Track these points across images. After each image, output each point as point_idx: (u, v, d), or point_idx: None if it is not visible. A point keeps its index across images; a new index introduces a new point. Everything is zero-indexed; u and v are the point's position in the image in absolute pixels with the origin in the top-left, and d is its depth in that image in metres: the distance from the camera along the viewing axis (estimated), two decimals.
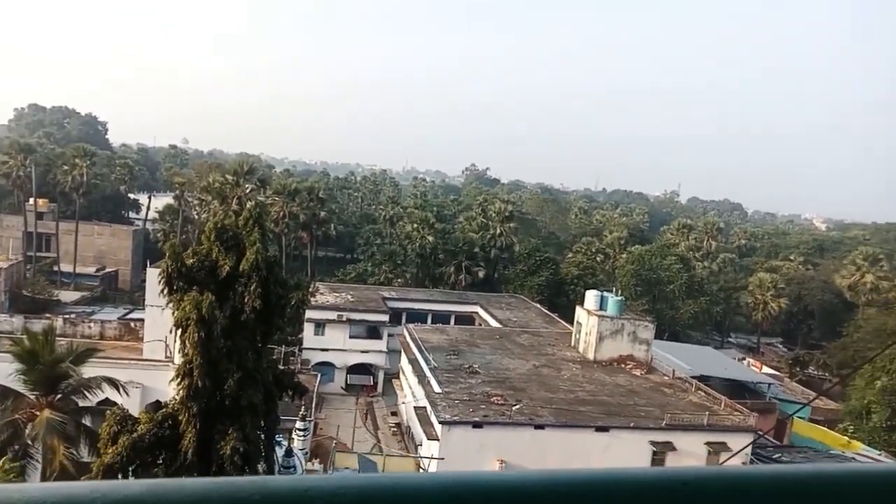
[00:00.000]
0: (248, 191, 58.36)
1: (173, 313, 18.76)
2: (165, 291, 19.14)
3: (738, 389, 41.16)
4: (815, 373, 55.30)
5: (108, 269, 66.92)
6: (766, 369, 50.63)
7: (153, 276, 28.99)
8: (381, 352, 45.96)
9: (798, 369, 55.68)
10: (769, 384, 44.10)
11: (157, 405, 21.38)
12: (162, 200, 78.19)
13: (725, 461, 26.30)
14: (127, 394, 26.10)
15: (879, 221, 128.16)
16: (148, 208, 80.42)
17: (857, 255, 67.42)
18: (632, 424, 29.61)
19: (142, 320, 42.25)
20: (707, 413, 30.91)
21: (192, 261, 19.18)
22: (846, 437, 37.46)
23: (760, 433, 32.05)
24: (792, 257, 79.39)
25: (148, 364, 33.65)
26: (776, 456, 32.60)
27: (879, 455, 33.70)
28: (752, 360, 54.47)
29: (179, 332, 18.44)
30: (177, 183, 69.88)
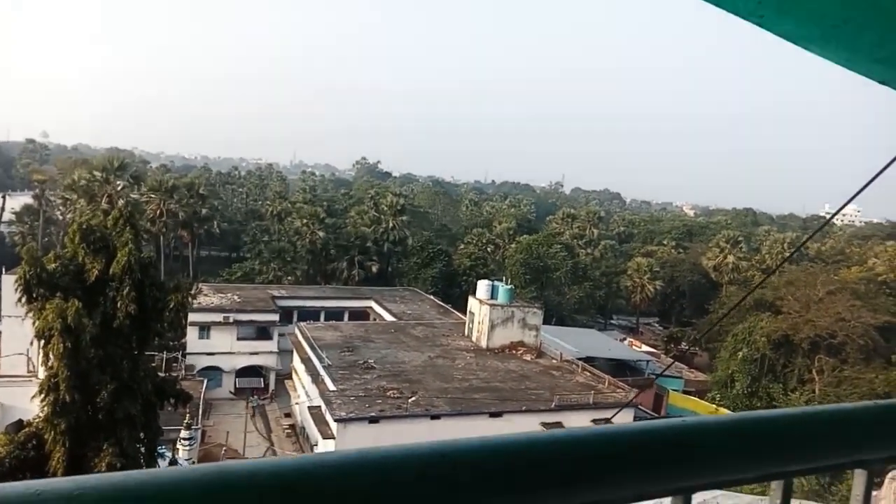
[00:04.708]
0: (119, 188, 54.33)
1: (34, 323, 17.17)
2: (24, 300, 17.48)
3: (620, 368, 43.80)
4: (687, 347, 59.86)
5: None
6: (644, 347, 54.24)
7: (9, 283, 26.35)
8: (271, 353, 44.52)
9: (672, 345, 60.01)
10: (647, 361, 47.29)
11: (20, 425, 19.55)
12: (19, 200, 71.01)
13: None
14: None
15: (739, 207, 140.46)
16: (2, 209, 72.74)
17: (720, 239, 73.58)
18: (524, 408, 30.65)
19: None
20: (592, 392, 32.61)
21: (54, 265, 17.63)
22: (714, 405, 40.87)
23: (638, 405, 34.31)
24: (665, 242, 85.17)
25: (7, 380, 30.53)
26: None
27: None
28: (632, 340, 58.13)
29: (42, 343, 16.89)
30: (36, 181, 63.93)
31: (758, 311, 47.68)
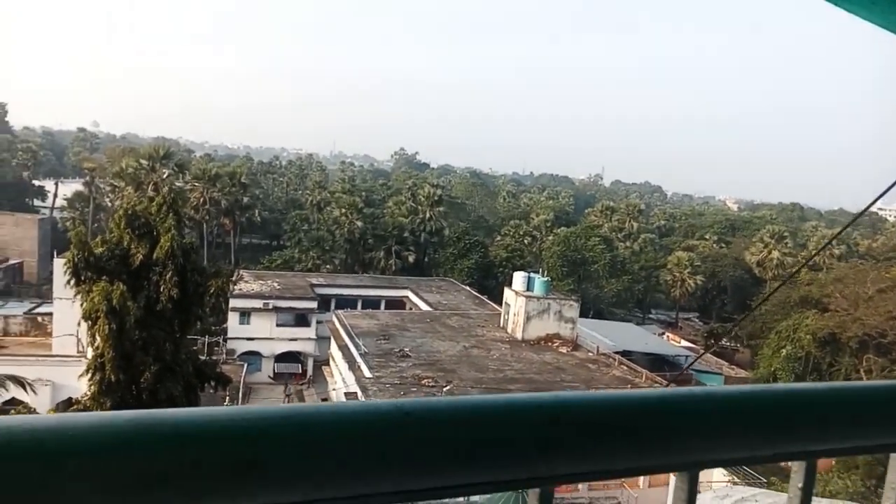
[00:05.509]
0: (164, 176, 55.79)
1: (82, 305, 17.80)
2: (73, 283, 18.13)
3: (658, 363, 43.12)
4: (728, 344, 58.56)
5: (11, 262, 62.53)
6: (683, 342, 53.28)
7: (60, 267, 27.37)
8: (309, 339, 45.26)
9: (712, 341, 58.74)
10: (686, 356, 46.38)
11: (69, 403, 20.34)
12: (71, 187, 73.60)
13: None
14: (35, 392, 24.56)
15: (785, 202, 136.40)
16: (55, 195, 75.64)
17: (765, 234, 71.53)
18: None
19: (50, 314, 39.83)
20: (629, 386, 32.19)
21: (101, 249, 18.23)
22: None
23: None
24: (707, 236, 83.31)
25: (58, 360, 31.79)
26: None
27: None
28: (670, 335, 57.17)
29: (89, 324, 17.51)
30: (87, 168, 66.07)
31: (803, 309, 46.28)
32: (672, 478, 0.93)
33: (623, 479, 27.30)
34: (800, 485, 0.97)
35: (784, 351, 42.07)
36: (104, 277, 17.09)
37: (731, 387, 0.99)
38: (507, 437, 0.75)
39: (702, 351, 51.87)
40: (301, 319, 45.79)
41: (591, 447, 0.80)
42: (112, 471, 0.57)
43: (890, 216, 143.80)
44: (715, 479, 24.56)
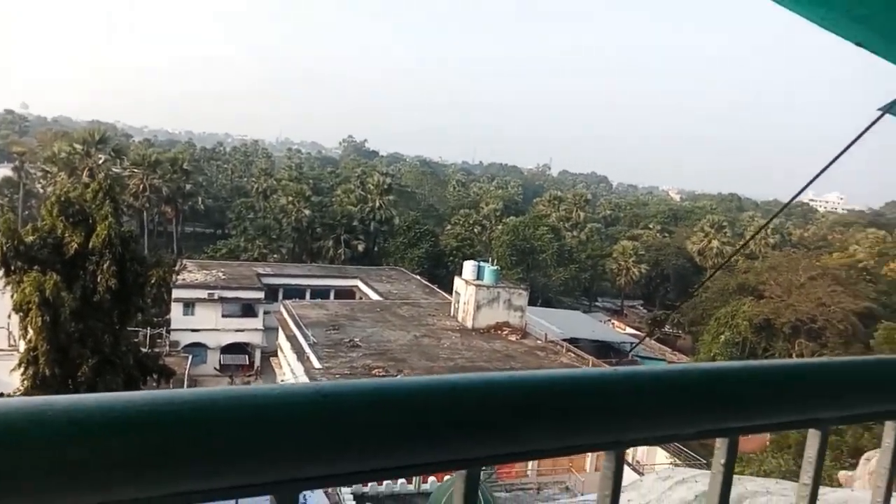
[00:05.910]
0: (100, 162, 53.52)
1: (12, 297, 16.88)
2: (2, 273, 17.17)
3: (604, 349, 44.14)
4: (671, 331, 60.52)
5: None
6: (629, 329, 54.73)
7: None
8: (256, 330, 44.35)
9: (656, 328, 60.56)
10: (631, 343, 47.65)
11: None
12: None
13: None
14: None
15: (724, 192, 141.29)
16: None
17: (705, 223, 74.16)
18: None
19: None
20: None
21: (32, 238, 17.30)
22: None
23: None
24: (651, 226, 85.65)
25: None
26: None
27: None
28: (616, 322, 58.61)
29: (20, 316, 16.62)
30: (15, 153, 62.71)
31: (741, 296, 48.20)
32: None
33: (571, 465, 27.96)
34: (722, 461, 0.99)
35: (723, 337, 43.80)
36: (36, 267, 16.22)
37: (654, 367, 1.00)
38: (429, 420, 0.73)
39: (644, 337, 53.41)
40: (248, 310, 44.81)
41: (515, 428, 0.79)
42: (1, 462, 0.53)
43: (820, 206, 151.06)
44: (658, 461, 25.39)
